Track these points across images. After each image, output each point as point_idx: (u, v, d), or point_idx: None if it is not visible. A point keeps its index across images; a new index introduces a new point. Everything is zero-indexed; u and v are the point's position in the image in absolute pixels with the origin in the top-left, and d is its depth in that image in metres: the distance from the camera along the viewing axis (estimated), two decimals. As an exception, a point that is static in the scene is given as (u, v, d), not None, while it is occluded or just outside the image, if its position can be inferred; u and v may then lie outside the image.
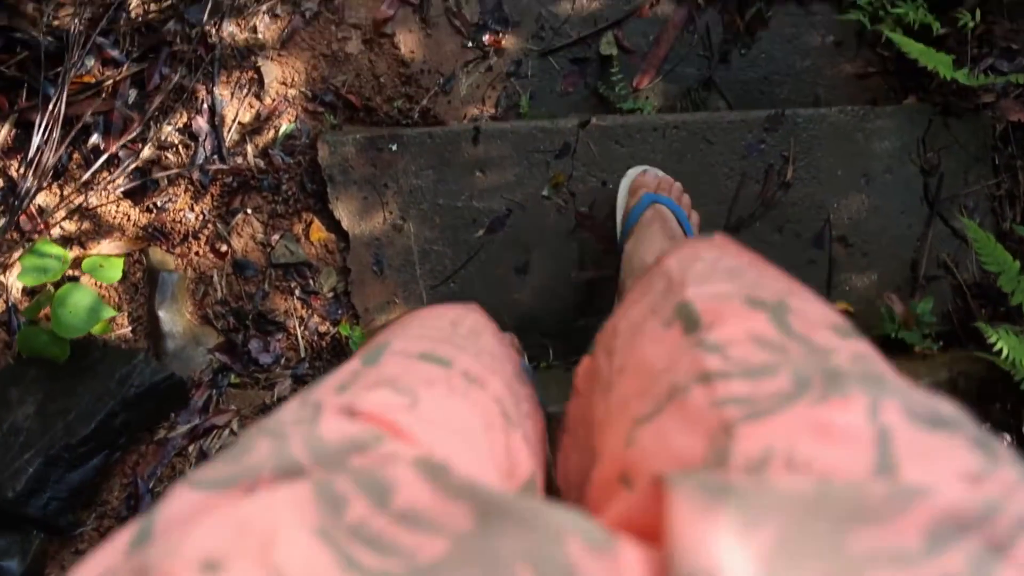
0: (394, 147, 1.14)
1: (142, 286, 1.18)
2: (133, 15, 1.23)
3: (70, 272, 1.15)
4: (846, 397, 0.30)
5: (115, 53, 1.22)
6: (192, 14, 1.23)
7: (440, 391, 0.40)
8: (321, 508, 0.27)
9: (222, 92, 1.22)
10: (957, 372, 1.03)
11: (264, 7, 1.25)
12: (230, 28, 1.24)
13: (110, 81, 1.21)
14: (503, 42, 1.27)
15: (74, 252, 1.17)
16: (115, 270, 1.06)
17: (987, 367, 1.01)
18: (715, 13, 1.28)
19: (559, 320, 1.14)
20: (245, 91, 1.23)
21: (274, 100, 1.22)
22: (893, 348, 1.10)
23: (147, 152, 1.20)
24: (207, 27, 1.23)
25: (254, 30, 1.24)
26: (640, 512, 0.29)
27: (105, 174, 1.19)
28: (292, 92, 1.23)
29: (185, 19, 1.23)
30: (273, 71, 1.23)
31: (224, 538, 0.25)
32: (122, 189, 1.19)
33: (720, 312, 0.38)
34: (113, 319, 1.16)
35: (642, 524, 0.28)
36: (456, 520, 0.27)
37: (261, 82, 1.22)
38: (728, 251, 0.48)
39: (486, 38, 1.27)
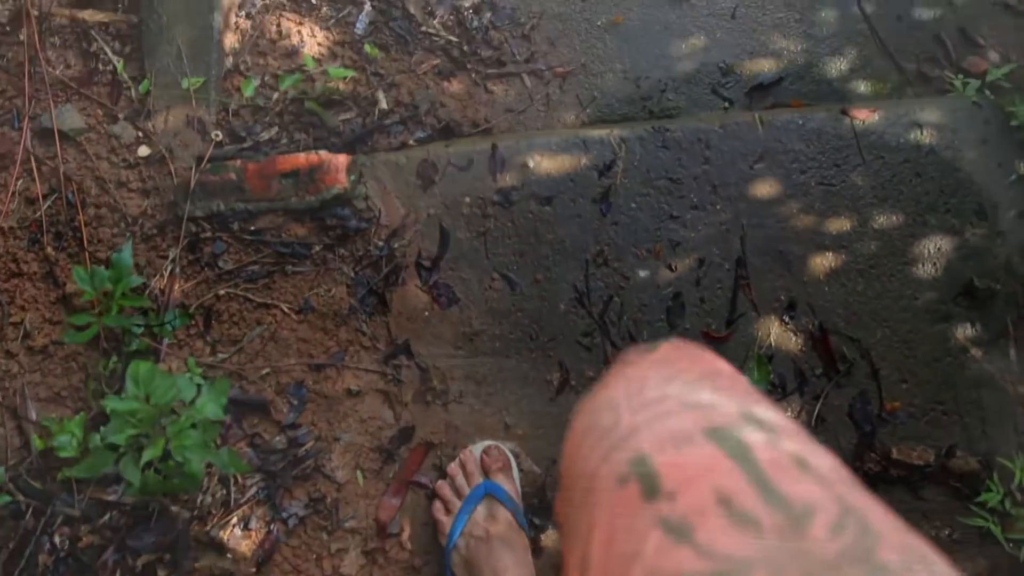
0: None
1: None
2: (57, 541, 0.93)
3: None
4: None
5: (30, 599, 0.91)
6: (139, 537, 0.93)
7: None
8: None
9: (176, 652, 0.91)
10: None
11: (235, 516, 0.96)
12: (187, 548, 0.94)
13: (21, 646, 0.90)
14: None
15: None
16: None
17: None
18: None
19: None
20: (207, 647, 0.92)
21: (246, 659, 0.92)
22: None
23: None
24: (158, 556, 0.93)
25: (221, 549, 0.95)
26: None
27: None
28: (271, 646, 0.93)
29: (128, 546, 0.93)
30: (245, 614, 0.93)
31: None
32: None
33: (682, 470, 0.35)
34: None
35: None
36: None
37: (229, 635, 0.92)
38: (676, 364, 0.45)
39: (521, 534, 1.00)
